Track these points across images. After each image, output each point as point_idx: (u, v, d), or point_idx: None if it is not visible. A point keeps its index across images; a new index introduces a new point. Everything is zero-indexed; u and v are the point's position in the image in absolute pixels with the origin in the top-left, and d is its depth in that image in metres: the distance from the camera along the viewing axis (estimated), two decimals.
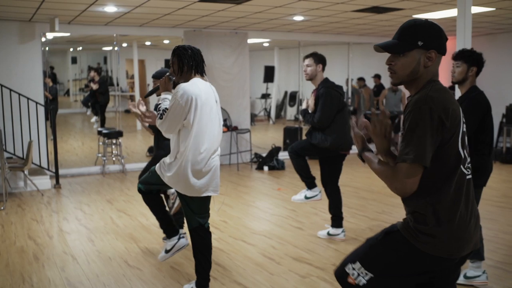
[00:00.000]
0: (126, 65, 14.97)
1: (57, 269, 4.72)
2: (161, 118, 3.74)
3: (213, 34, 10.00)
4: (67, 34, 9.93)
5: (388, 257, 2.21)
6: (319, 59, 5.28)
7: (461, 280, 4.19)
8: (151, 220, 6.21)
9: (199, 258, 3.91)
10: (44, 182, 8.20)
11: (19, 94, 8.18)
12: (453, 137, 2.07)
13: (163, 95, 3.93)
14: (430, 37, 2.06)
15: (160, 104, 3.87)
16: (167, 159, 3.88)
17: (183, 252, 5.13)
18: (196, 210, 3.87)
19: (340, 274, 2.33)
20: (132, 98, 16.40)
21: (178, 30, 9.79)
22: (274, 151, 9.96)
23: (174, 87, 3.87)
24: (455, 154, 2.10)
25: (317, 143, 5.22)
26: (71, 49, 18.90)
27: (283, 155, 10.06)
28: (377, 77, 12.65)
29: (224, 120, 9.77)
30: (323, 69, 5.32)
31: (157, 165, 3.98)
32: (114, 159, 9.77)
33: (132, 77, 15.84)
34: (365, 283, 2.22)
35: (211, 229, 6.01)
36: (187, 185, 3.75)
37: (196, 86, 3.67)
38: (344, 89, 12.91)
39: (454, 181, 2.12)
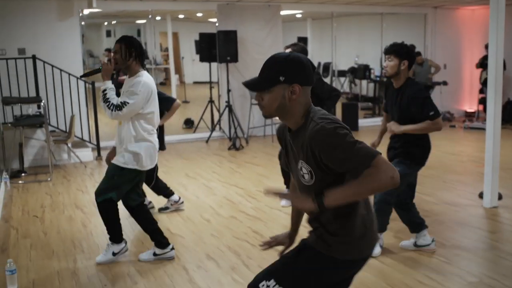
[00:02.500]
0: (160, 38, 15.16)
1: (104, 236, 5.00)
2: (120, 110, 4.04)
3: (246, 7, 10.09)
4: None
5: (305, 273, 2.21)
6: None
7: (411, 247, 4.47)
8: (190, 190, 6.48)
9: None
10: (86, 154, 8.55)
11: (61, 70, 8.47)
12: None
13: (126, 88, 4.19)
14: (291, 72, 2.09)
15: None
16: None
17: (224, 223, 5.39)
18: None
19: None
20: (166, 70, 16.65)
21: (212, 4, 9.90)
22: None
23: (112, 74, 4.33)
24: None
25: None
26: (106, 23, 19.11)
27: None
28: None
29: None
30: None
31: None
32: None
33: (166, 49, 16.05)
34: None
35: (249, 198, 6.23)
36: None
37: (150, 79, 4.12)
38: (376, 61, 12.89)
39: None
